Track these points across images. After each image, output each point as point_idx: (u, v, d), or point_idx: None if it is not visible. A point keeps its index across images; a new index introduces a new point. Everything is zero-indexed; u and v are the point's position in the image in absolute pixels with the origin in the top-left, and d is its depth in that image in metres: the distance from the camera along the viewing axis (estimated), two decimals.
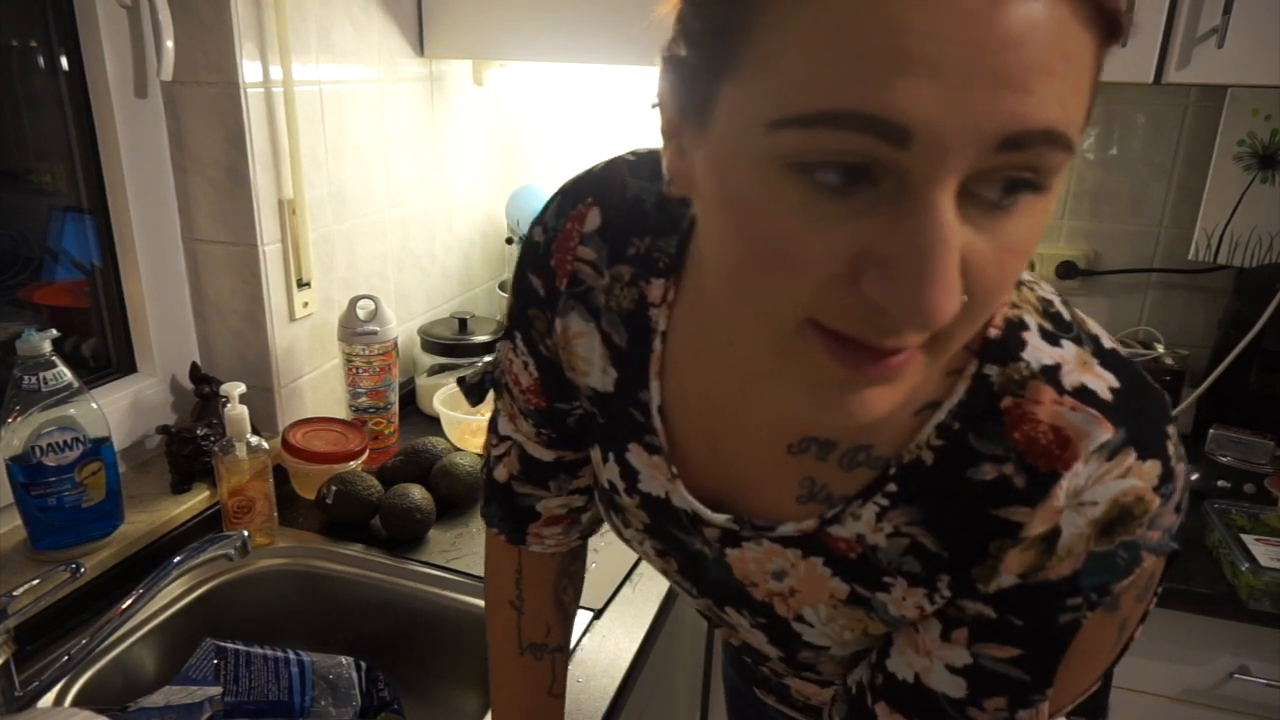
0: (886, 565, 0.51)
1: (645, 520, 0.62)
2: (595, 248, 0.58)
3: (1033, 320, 0.47)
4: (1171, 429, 0.46)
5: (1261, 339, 1.33)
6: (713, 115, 0.39)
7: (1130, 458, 0.44)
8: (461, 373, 1.50)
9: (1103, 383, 0.45)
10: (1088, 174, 1.56)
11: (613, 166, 0.59)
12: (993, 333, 0.47)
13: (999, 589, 0.47)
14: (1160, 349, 1.53)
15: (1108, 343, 0.48)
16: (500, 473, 0.73)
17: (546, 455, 0.70)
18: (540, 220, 0.61)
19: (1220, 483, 1.30)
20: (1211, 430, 1.35)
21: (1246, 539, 1.14)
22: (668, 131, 0.44)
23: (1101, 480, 0.44)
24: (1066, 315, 0.48)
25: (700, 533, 0.59)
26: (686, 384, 0.56)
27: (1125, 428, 0.44)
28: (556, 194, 0.61)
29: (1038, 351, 0.46)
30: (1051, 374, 0.46)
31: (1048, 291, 0.50)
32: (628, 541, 0.67)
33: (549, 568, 0.77)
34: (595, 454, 0.65)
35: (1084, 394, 0.45)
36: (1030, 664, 0.47)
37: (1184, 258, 1.52)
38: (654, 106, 0.45)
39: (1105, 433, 0.44)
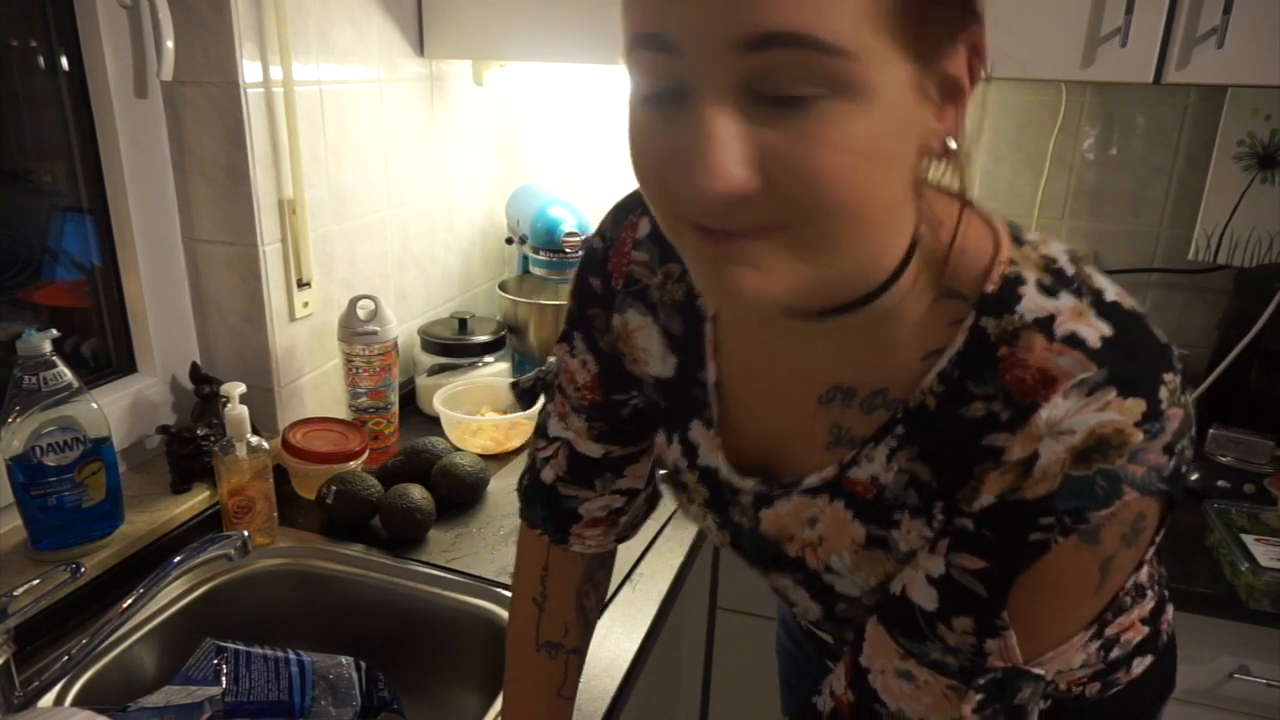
0: (893, 501, 0.55)
1: (705, 494, 0.67)
2: (647, 251, 0.66)
3: (1031, 275, 0.50)
4: (1169, 377, 0.47)
5: (1261, 339, 1.33)
6: None
7: (1110, 394, 0.46)
8: (462, 372, 1.51)
9: (1095, 331, 0.48)
10: (1088, 174, 1.56)
11: None
12: (990, 288, 0.50)
13: (980, 508, 0.50)
14: None
15: (1111, 297, 0.50)
16: (547, 474, 0.76)
17: (595, 451, 0.74)
18: (599, 231, 0.69)
19: (1220, 483, 1.29)
20: (1211, 430, 1.35)
21: (1246, 539, 1.14)
22: None
23: (1080, 412, 0.46)
24: (1069, 271, 0.51)
25: (737, 500, 0.63)
26: (733, 359, 0.62)
27: (1109, 368, 0.46)
28: (613, 209, 0.69)
29: (1032, 304, 0.49)
30: (1045, 324, 0.48)
31: (1055, 251, 0.52)
32: (694, 519, 0.72)
33: (576, 569, 0.79)
34: (660, 439, 0.70)
35: (1073, 340, 0.47)
36: (992, 578, 0.49)
37: (1184, 258, 1.52)
38: None
39: (1087, 372, 0.46)
